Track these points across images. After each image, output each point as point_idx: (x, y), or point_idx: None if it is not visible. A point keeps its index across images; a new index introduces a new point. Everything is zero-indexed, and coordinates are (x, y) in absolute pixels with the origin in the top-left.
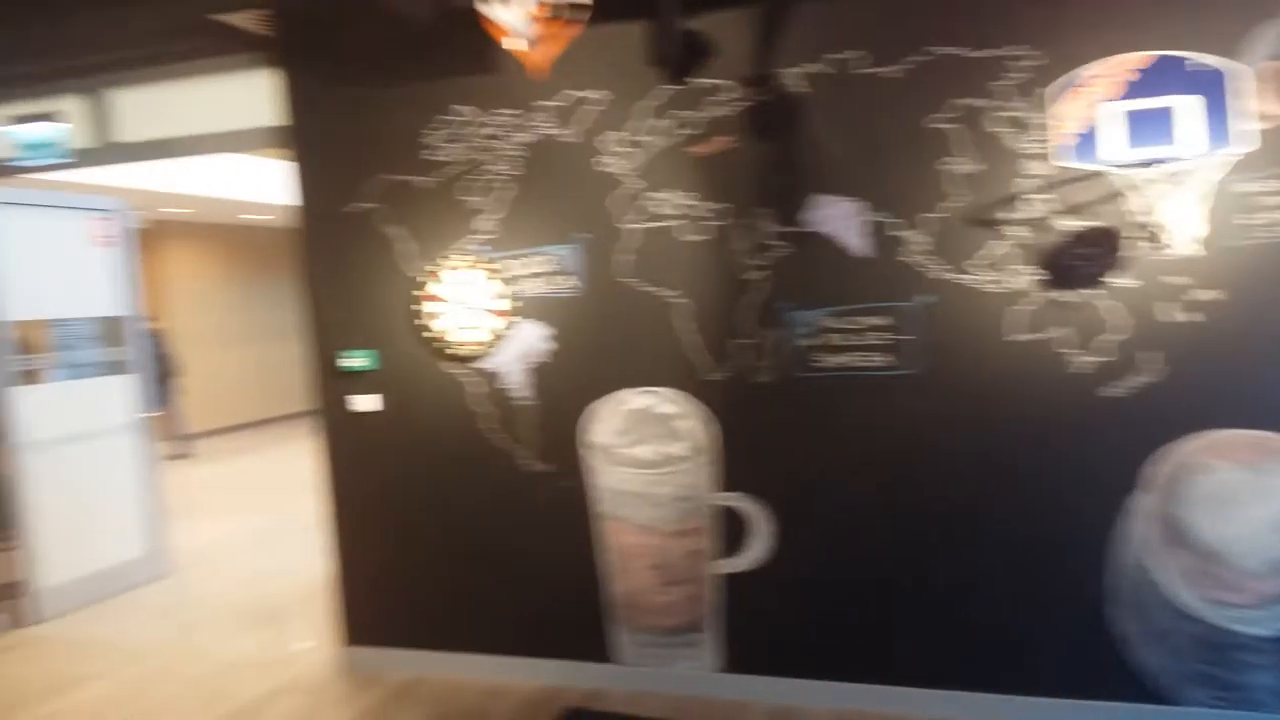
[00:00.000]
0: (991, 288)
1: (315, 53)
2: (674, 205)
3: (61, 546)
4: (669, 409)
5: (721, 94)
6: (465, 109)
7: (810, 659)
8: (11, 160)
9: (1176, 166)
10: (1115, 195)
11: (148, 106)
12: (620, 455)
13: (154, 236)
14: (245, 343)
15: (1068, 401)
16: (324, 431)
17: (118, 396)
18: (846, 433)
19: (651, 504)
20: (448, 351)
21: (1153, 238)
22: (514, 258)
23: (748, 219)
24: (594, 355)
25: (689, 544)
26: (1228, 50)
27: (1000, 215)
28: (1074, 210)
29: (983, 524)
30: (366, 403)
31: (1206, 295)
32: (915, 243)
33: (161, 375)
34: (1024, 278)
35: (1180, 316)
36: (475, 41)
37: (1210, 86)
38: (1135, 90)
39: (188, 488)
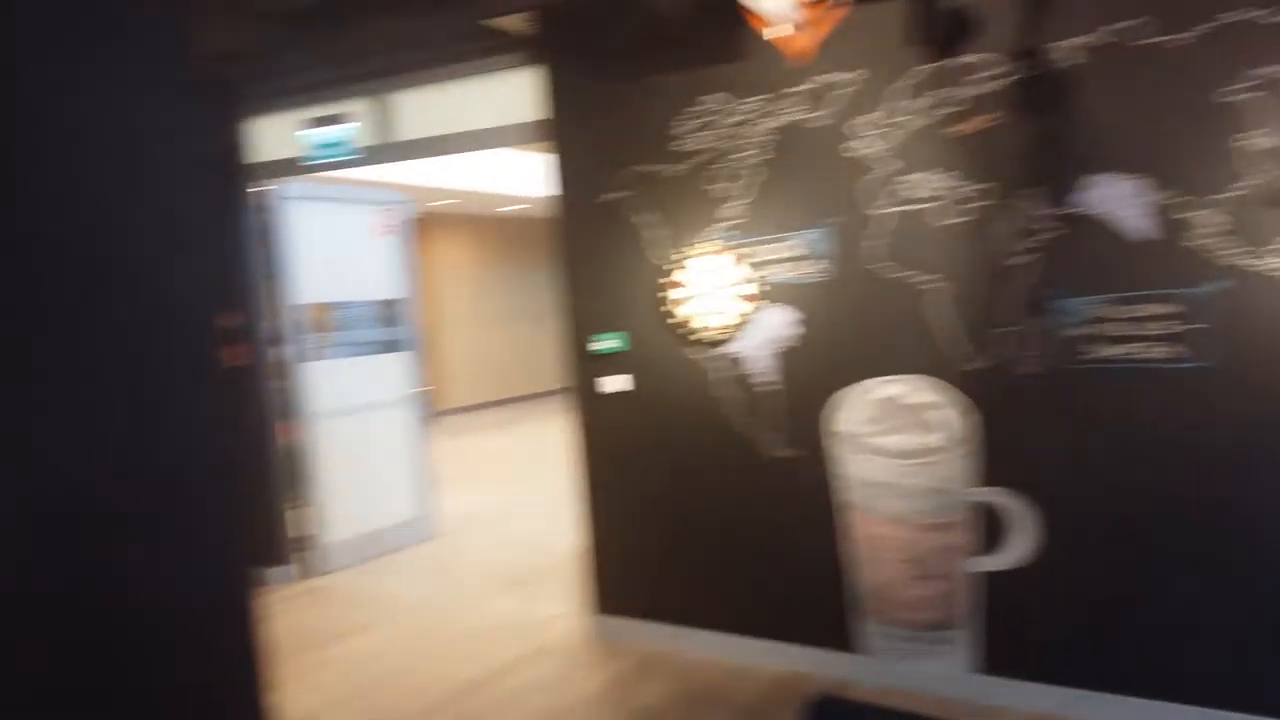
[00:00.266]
0: None
1: (575, 50)
2: (930, 188)
3: (343, 507)
4: (920, 398)
5: (984, 70)
6: (714, 98)
7: (1077, 667)
8: (307, 159)
9: None
10: None
11: (425, 107)
12: (869, 444)
13: (422, 226)
14: (502, 325)
15: None
16: (576, 410)
17: (393, 372)
18: (1122, 428)
19: (903, 495)
20: (692, 337)
21: None
22: (761, 243)
23: (1012, 200)
24: (843, 341)
25: (943, 538)
26: None
27: None
28: None
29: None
30: (615, 384)
31: None
32: (1205, 225)
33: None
34: None
35: None
36: (726, 31)
37: None
38: None
39: (451, 458)
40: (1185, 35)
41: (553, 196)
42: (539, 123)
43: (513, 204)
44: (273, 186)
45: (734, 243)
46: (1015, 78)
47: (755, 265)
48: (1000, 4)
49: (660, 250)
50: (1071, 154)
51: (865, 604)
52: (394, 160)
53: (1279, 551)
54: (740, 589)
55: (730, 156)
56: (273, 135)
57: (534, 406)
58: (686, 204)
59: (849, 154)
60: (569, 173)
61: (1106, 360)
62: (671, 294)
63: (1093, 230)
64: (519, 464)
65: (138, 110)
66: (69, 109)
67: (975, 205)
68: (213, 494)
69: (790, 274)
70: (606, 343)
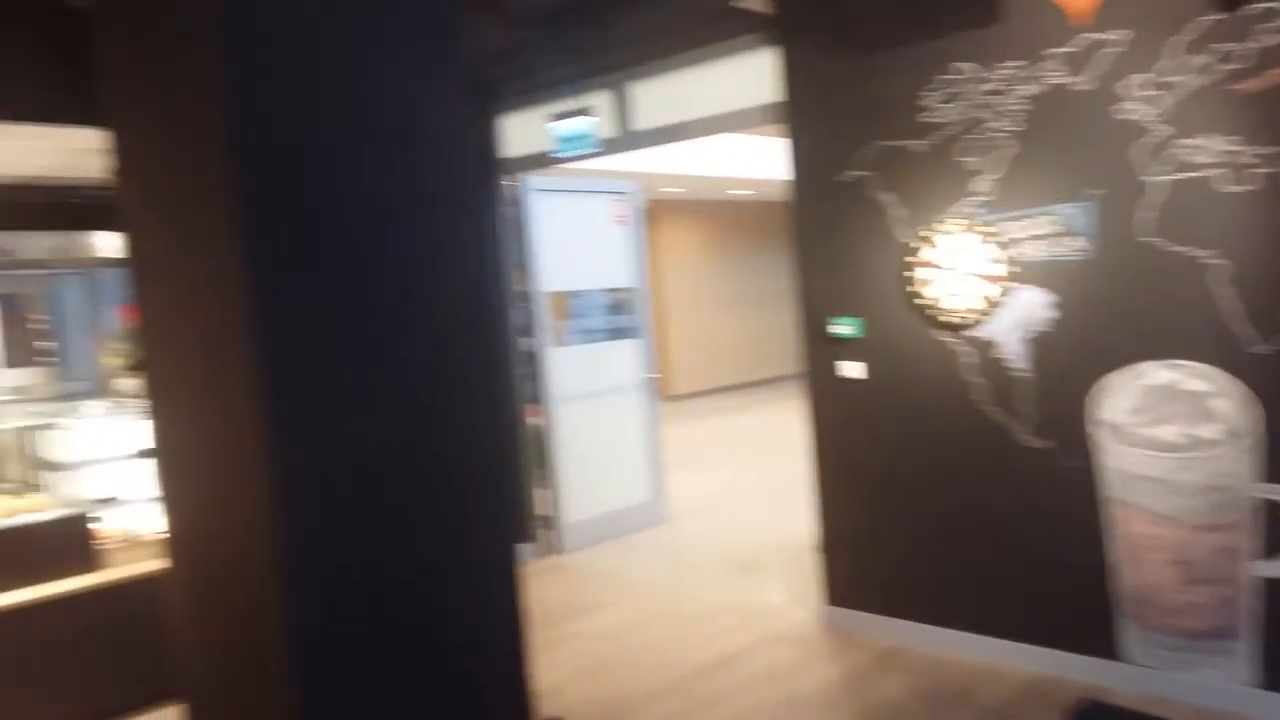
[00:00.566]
0: None
1: (815, 25)
2: (1211, 152)
3: (581, 488)
4: (1199, 385)
5: (1276, 20)
6: (965, 66)
7: None
8: (552, 152)
9: None
10: None
11: (661, 95)
12: (1135, 435)
13: (651, 214)
14: (733, 310)
15: None
16: (811, 395)
17: (626, 359)
18: None
19: (1174, 492)
20: (939, 319)
21: None
22: (1013, 220)
23: None
24: (1105, 324)
25: (1220, 540)
26: None
27: None
28: None
29: None
30: (854, 369)
31: None
32: None
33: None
34: None
35: None
36: None
37: None
38: None
39: (681, 442)
40: None
41: (787, 178)
42: (775, 104)
43: (742, 188)
44: (522, 180)
45: (983, 219)
46: None
47: (1005, 244)
48: None
49: (905, 229)
50: None
51: (1127, 607)
52: (631, 149)
53: None
54: (987, 586)
55: (981, 127)
56: (521, 130)
57: (763, 392)
58: (933, 179)
59: (1118, 117)
60: (804, 152)
61: None
62: (917, 274)
63: None
64: (750, 449)
65: (444, 114)
66: (402, 116)
67: (1262, 171)
68: (496, 472)
69: (1045, 251)
70: (843, 327)
